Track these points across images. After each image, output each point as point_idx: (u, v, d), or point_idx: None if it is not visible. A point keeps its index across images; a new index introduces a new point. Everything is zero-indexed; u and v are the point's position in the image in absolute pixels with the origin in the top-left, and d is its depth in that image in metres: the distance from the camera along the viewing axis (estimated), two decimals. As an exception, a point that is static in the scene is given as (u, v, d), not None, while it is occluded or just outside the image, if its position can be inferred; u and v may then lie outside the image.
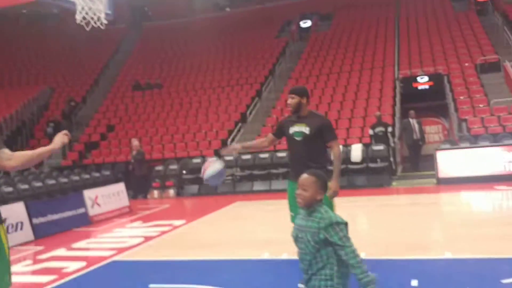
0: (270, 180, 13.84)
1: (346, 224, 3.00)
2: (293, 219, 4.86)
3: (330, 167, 5.33)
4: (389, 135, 14.09)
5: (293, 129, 5.02)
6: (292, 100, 5.01)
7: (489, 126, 14.68)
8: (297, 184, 4.54)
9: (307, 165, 4.62)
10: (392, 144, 14.20)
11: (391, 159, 13.73)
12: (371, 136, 14.22)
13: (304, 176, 3.11)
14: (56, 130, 19.20)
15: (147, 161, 15.47)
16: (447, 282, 4.99)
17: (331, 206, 4.91)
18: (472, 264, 5.60)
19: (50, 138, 19.32)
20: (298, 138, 4.99)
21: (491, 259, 5.69)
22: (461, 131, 15.17)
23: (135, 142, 14.83)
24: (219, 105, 19.57)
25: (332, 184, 4.79)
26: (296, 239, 3.15)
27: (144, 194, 14.48)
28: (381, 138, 13.88)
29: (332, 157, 5.15)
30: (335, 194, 4.91)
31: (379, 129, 14.05)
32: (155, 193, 14.46)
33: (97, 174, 14.19)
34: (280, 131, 5.22)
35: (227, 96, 20.17)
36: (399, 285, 5.04)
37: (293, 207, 5.00)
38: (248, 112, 18.72)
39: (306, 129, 4.95)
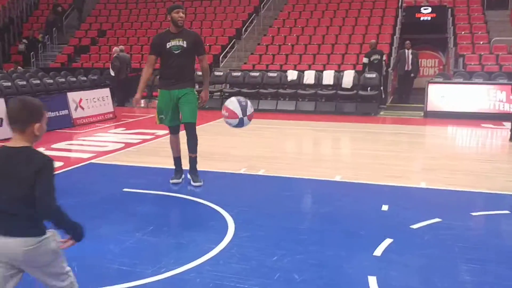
0: (258, 99, 13.68)
1: None
2: (161, 121, 5.81)
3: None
4: (383, 63, 13.81)
5: (170, 44, 5.55)
6: (183, 16, 5.56)
7: (486, 64, 14.43)
8: (172, 92, 5.63)
9: (183, 77, 5.63)
10: (384, 73, 13.98)
11: (382, 88, 13.56)
12: (364, 64, 13.90)
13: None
14: (29, 47, 18.36)
15: (136, 70, 15.16)
16: (417, 210, 5.03)
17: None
18: (444, 195, 5.64)
19: (23, 55, 18.63)
20: (176, 52, 5.54)
21: (464, 192, 5.74)
22: (457, 66, 14.92)
23: (114, 48, 14.51)
24: (214, 19, 18.95)
25: (203, 94, 5.88)
26: None
27: (120, 102, 14.12)
28: (376, 66, 13.60)
29: (202, 71, 5.89)
30: (205, 102, 5.89)
31: (375, 56, 13.72)
32: (142, 102, 14.29)
33: (83, 78, 13.90)
34: (158, 49, 5.64)
35: (223, 10, 19.48)
36: (370, 208, 5.08)
37: (164, 110, 5.75)
38: (243, 29, 18.17)
39: (183, 43, 5.55)
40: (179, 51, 5.55)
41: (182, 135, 5.96)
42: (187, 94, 5.67)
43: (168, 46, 5.56)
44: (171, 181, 5.95)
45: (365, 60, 13.94)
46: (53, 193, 2.29)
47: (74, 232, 2.43)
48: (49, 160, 2.30)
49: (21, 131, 2.30)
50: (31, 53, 18.42)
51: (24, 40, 19.21)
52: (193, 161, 5.87)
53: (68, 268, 2.51)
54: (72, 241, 2.44)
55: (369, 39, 15.59)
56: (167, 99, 5.69)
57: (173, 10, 5.54)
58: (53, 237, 2.41)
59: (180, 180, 5.97)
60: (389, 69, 14.75)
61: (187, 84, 5.70)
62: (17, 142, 2.31)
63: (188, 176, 5.94)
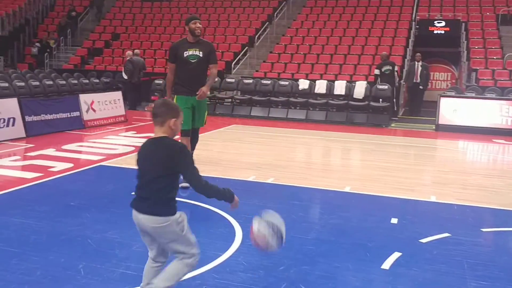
0: (269, 107, 13.69)
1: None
2: (181, 126, 5.78)
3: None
4: (395, 74, 13.77)
5: (188, 53, 5.93)
6: (200, 26, 5.99)
7: (499, 79, 14.34)
8: (189, 98, 5.92)
9: (199, 83, 5.94)
10: (397, 85, 13.93)
11: (394, 100, 13.51)
12: (376, 76, 13.88)
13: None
14: (42, 50, 18.36)
15: (148, 74, 15.30)
16: (426, 224, 4.98)
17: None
18: (454, 209, 5.58)
19: (36, 59, 18.66)
20: (193, 61, 5.93)
21: (474, 207, 5.68)
22: (470, 81, 14.84)
23: (127, 52, 14.73)
24: (228, 26, 19.02)
25: (204, 88, 5.96)
26: None
27: (132, 105, 14.20)
28: (387, 77, 13.56)
29: (210, 75, 6.25)
30: (204, 95, 5.98)
31: (387, 67, 13.69)
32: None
33: (96, 80, 14.02)
34: (175, 57, 5.99)
35: (237, 17, 19.56)
36: (379, 221, 5.04)
37: (185, 116, 5.69)
38: (256, 37, 18.23)
39: (200, 53, 5.94)
40: (195, 60, 5.94)
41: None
42: (203, 102, 6.12)
43: (185, 55, 5.93)
44: (180, 185, 5.98)
45: (376, 71, 13.91)
46: (196, 173, 2.82)
47: (225, 198, 2.97)
48: (183, 146, 2.84)
49: (161, 124, 2.83)
50: (45, 54, 18.54)
51: (37, 44, 19.28)
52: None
53: (193, 251, 2.92)
54: (231, 205, 3.00)
55: (382, 51, 15.56)
56: (187, 105, 5.97)
57: (190, 21, 5.94)
58: (180, 219, 2.86)
59: None
60: (401, 81, 14.69)
61: None
62: (158, 133, 2.85)
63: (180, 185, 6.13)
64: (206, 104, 6.32)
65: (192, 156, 2.64)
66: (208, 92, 6.24)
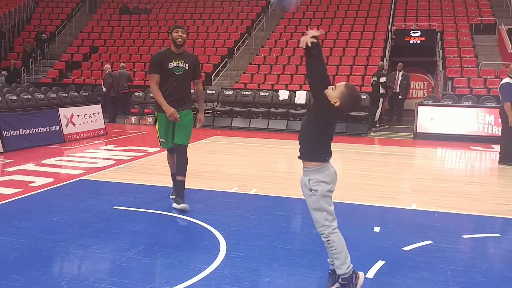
0: (250, 118, 13.74)
1: None
2: (164, 145, 5.75)
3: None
4: (380, 86, 13.95)
5: (173, 64, 5.50)
6: (183, 35, 5.54)
7: (474, 87, 14.65)
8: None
9: (182, 98, 5.57)
10: (386, 95, 14.15)
11: (380, 110, 13.70)
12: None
13: None
14: (10, 78, 17.83)
15: (127, 87, 15.23)
16: (409, 232, 5.04)
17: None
18: (436, 217, 5.66)
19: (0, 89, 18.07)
20: (178, 73, 5.51)
21: (455, 214, 5.77)
22: (446, 89, 15.13)
23: (106, 65, 14.80)
24: (207, 38, 19.09)
25: (201, 117, 5.96)
26: None
27: (112, 118, 14.14)
28: (374, 88, 13.77)
29: (197, 93, 5.93)
30: (202, 123, 6.01)
31: (373, 79, 13.92)
32: (133, 119, 14.28)
33: (75, 94, 13.89)
34: (160, 68, 5.49)
35: (216, 29, 19.65)
36: (361, 230, 5.08)
37: (165, 134, 5.69)
38: (235, 48, 18.31)
39: (185, 65, 5.54)
40: (180, 72, 5.50)
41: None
42: (185, 116, 5.59)
43: (170, 66, 5.48)
44: (171, 196, 6.01)
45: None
46: None
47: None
48: None
49: None
50: (16, 80, 18.02)
51: (4, 72, 18.67)
52: (180, 184, 5.68)
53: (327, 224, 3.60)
54: None
55: (359, 61, 15.78)
56: (167, 121, 5.55)
57: (173, 30, 5.54)
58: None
59: None
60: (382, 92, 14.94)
61: (186, 105, 5.64)
62: None
63: (171, 196, 5.97)
64: (190, 119, 5.70)
65: None
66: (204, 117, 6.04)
